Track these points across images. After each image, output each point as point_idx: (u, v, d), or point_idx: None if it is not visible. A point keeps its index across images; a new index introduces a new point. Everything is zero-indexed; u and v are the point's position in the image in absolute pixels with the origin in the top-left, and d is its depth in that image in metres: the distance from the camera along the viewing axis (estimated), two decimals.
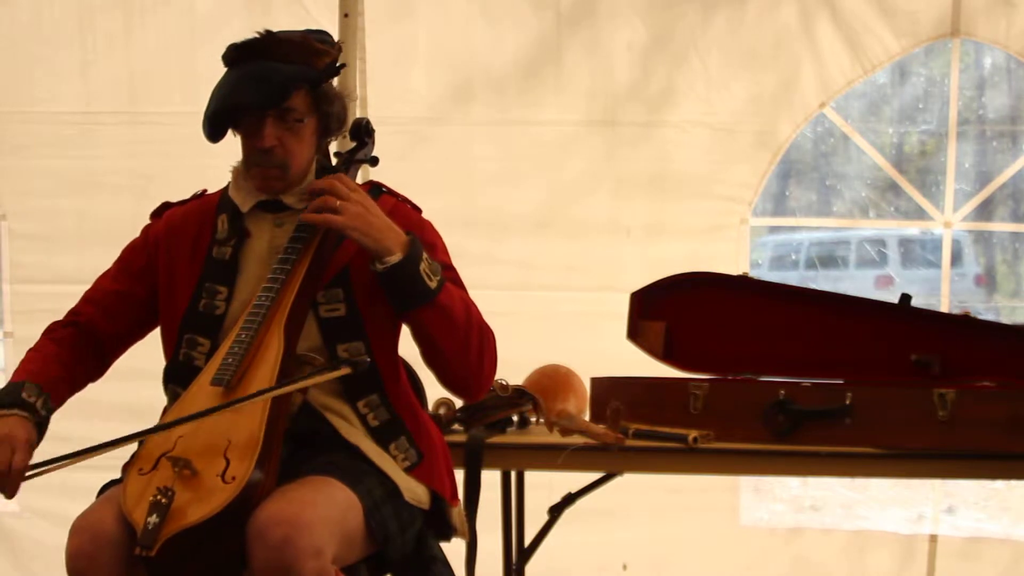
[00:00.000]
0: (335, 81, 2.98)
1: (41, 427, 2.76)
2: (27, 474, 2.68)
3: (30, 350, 2.90)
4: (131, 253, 3.01)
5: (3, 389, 2.81)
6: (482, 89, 5.00)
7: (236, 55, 2.85)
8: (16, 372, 2.85)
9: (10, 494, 2.69)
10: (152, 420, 2.78)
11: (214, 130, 2.85)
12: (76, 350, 2.89)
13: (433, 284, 2.75)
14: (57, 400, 2.82)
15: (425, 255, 2.76)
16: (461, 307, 2.81)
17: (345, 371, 2.71)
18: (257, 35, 2.86)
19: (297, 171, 2.88)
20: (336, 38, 4.37)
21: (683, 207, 5.01)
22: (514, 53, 4.98)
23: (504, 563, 4.03)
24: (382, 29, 4.92)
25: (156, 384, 2.94)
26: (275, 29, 2.93)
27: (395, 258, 2.71)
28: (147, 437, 2.71)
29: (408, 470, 2.85)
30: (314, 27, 3.56)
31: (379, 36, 4.92)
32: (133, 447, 2.74)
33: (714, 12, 4.96)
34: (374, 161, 3.08)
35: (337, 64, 2.92)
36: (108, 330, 2.94)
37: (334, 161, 3.06)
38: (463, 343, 2.81)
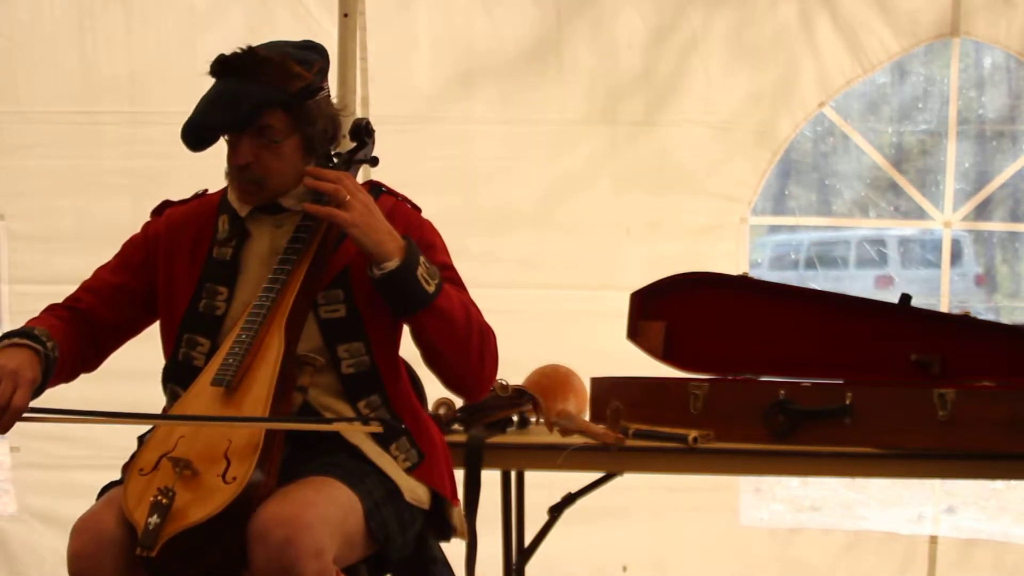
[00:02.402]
0: (332, 92, 2.97)
1: (47, 369, 2.74)
2: (24, 415, 2.67)
3: (31, 319, 2.89)
4: (131, 248, 3.01)
5: (13, 330, 2.80)
6: (482, 88, 5.00)
7: (217, 69, 2.85)
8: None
9: (2, 431, 2.68)
10: None
11: (191, 145, 2.85)
12: (77, 331, 2.89)
13: (431, 288, 2.75)
14: (60, 360, 2.79)
15: (423, 259, 2.75)
16: (460, 309, 2.81)
17: (375, 428, 2.75)
18: (239, 51, 2.85)
19: (277, 187, 2.87)
20: (336, 38, 4.40)
21: (683, 205, 5.02)
22: (514, 52, 4.98)
23: (504, 563, 4.03)
24: (383, 28, 4.92)
25: (154, 384, 2.94)
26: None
27: (393, 264, 2.71)
28: (150, 435, 2.73)
29: (409, 470, 2.85)
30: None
31: (380, 35, 4.92)
32: (127, 435, 2.79)
33: (714, 10, 4.96)
34: (374, 161, 3.08)
35: (315, 87, 2.87)
36: (106, 320, 2.93)
37: (334, 161, 3.06)
38: (463, 345, 2.81)
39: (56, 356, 2.77)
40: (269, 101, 2.80)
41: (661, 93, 5.00)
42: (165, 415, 2.68)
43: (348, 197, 2.73)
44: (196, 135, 2.82)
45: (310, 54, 2.91)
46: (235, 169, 2.85)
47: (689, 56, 4.97)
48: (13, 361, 2.70)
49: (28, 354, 2.73)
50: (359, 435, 2.82)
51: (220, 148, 2.92)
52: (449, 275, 2.89)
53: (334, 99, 2.97)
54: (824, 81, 4.99)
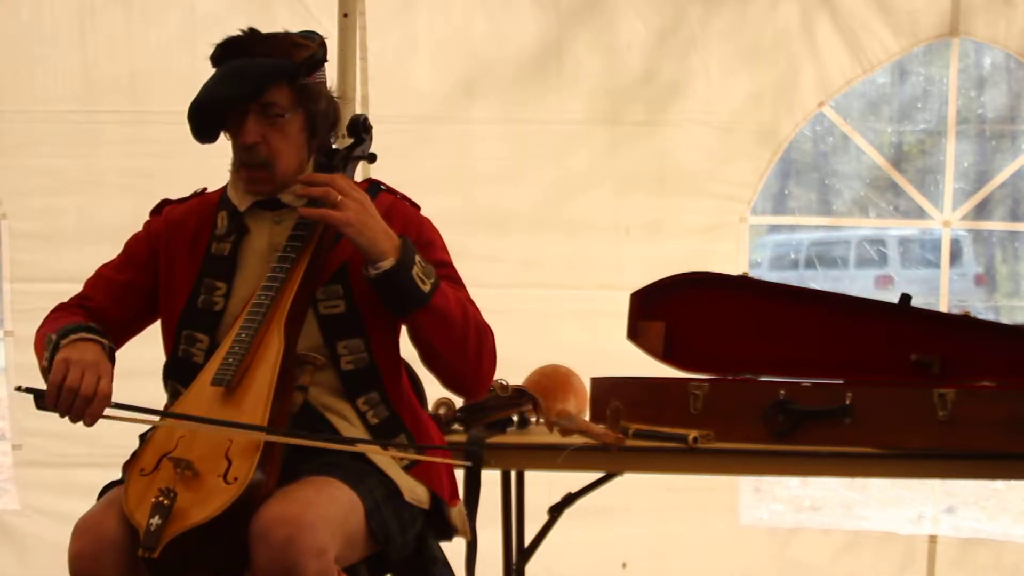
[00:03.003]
0: (331, 83, 2.98)
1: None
2: (108, 410, 2.66)
3: (47, 318, 2.88)
4: (134, 245, 3.01)
5: (67, 326, 2.78)
6: (483, 88, 5.01)
7: (220, 53, 2.86)
8: (47, 325, 2.83)
9: (91, 421, 2.66)
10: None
11: (198, 128, 2.85)
12: None
13: (426, 288, 2.74)
14: None
15: (418, 258, 2.75)
16: (457, 308, 2.80)
17: (422, 457, 2.77)
18: (240, 32, 2.87)
19: (285, 171, 2.86)
20: (336, 38, 4.41)
21: (683, 205, 5.02)
22: (515, 52, 4.99)
23: (504, 563, 4.04)
24: (384, 28, 4.93)
25: (155, 381, 2.94)
26: (276, 29, 2.93)
27: (388, 263, 2.71)
28: (151, 434, 2.73)
29: (407, 469, 2.85)
30: (315, 26, 3.56)
31: (381, 35, 4.92)
32: (128, 433, 2.78)
33: (714, 11, 4.96)
34: (372, 157, 3.07)
35: (318, 58, 2.89)
36: (115, 318, 2.93)
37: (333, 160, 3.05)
38: (460, 344, 2.80)
39: (114, 351, 2.78)
40: (276, 70, 2.80)
41: (661, 94, 5.00)
42: (251, 425, 2.63)
43: (340, 197, 2.73)
44: (203, 114, 2.82)
45: (310, 33, 2.94)
46: (242, 151, 2.84)
47: (689, 57, 4.97)
48: (90, 353, 2.70)
49: (98, 348, 2.73)
50: (359, 434, 2.82)
51: (221, 147, 2.93)
52: (447, 273, 2.89)
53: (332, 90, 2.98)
54: (824, 81, 5.00)
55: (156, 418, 2.66)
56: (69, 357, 2.67)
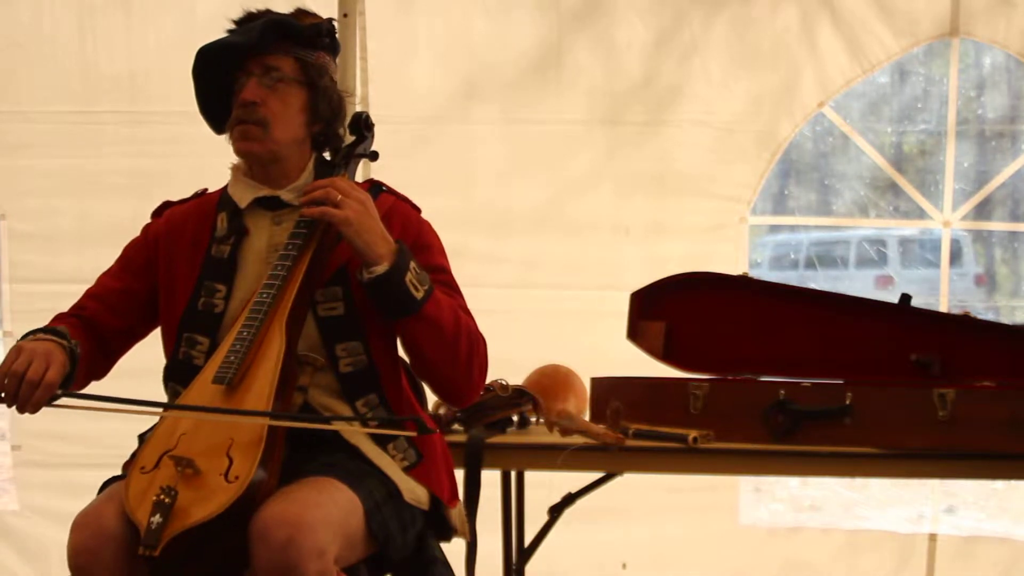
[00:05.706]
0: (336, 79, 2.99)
1: (72, 364, 2.74)
2: (56, 393, 2.67)
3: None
4: (132, 251, 3.01)
5: (36, 329, 2.81)
6: (484, 88, 5.01)
7: (235, 24, 2.92)
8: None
9: (33, 408, 2.67)
10: (153, 419, 2.77)
11: (203, 90, 2.91)
12: (86, 338, 2.88)
13: (419, 295, 2.74)
14: (80, 359, 2.79)
15: (413, 264, 2.75)
16: (449, 316, 2.80)
17: (410, 433, 2.77)
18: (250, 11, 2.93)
19: (279, 139, 2.87)
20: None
21: (683, 206, 5.02)
22: (516, 52, 4.99)
23: (504, 563, 4.03)
24: (384, 28, 4.93)
25: (156, 382, 2.94)
26: None
27: (381, 268, 2.71)
28: (151, 433, 2.73)
29: (407, 469, 2.85)
30: None
31: (381, 35, 4.92)
32: (128, 433, 2.81)
33: (714, 12, 4.96)
34: (374, 155, 3.07)
35: (324, 30, 2.92)
36: (112, 326, 2.93)
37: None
38: (451, 352, 2.80)
39: (80, 352, 2.78)
40: (277, 23, 2.84)
41: (661, 95, 5.00)
42: (205, 407, 2.65)
43: (341, 196, 2.73)
44: (208, 66, 2.87)
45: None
46: (240, 109, 2.85)
47: (690, 57, 4.97)
48: (43, 346, 2.71)
49: (54, 345, 2.74)
50: (358, 435, 2.82)
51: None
52: (443, 278, 2.89)
53: None
54: (824, 81, 5.00)
55: (110, 405, 2.64)
56: (21, 347, 2.70)
